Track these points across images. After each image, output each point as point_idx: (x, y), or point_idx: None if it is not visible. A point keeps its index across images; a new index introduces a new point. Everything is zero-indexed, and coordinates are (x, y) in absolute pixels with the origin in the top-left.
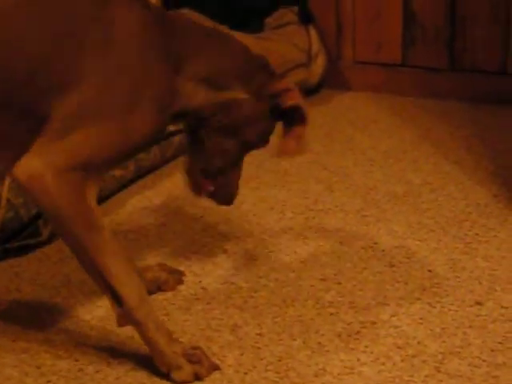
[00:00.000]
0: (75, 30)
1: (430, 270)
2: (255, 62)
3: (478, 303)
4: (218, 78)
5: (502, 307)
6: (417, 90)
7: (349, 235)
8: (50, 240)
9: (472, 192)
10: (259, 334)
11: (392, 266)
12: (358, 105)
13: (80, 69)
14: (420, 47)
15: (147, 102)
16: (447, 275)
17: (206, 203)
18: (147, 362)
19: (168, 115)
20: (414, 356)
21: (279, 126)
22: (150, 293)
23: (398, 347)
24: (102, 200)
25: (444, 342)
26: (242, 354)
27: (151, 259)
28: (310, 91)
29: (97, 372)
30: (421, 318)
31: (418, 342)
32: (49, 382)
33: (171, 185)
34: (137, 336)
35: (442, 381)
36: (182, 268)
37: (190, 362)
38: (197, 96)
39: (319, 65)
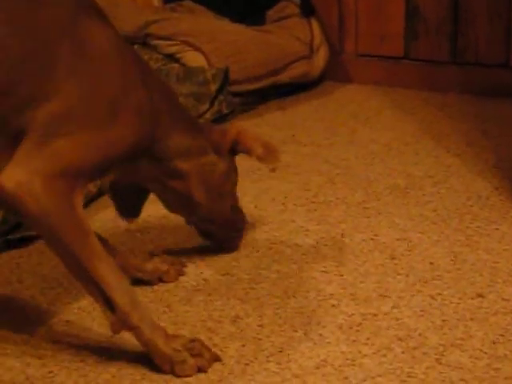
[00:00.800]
0: (50, 42)
1: (431, 263)
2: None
3: (480, 295)
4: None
5: (504, 299)
6: (419, 82)
7: (350, 227)
8: None
9: (473, 185)
10: (260, 326)
11: (393, 258)
12: (360, 98)
13: (56, 80)
14: (422, 40)
15: (128, 109)
16: (448, 267)
17: None
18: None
19: (150, 125)
20: (415, 348)
21: None
22: (151, 284)
23: (400, 339)
24: (100, 194)
25: (445, 334)
26: (243, 346)
27: (155, 250)
28: (311, 84)
29: (98, 363)
30: (422, 310)
31: (419, 334)
32: (50, 372)
33: None
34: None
35: (442, 373)
36: (183, 259)
37: (191, 355)
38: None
39: (321, 57)
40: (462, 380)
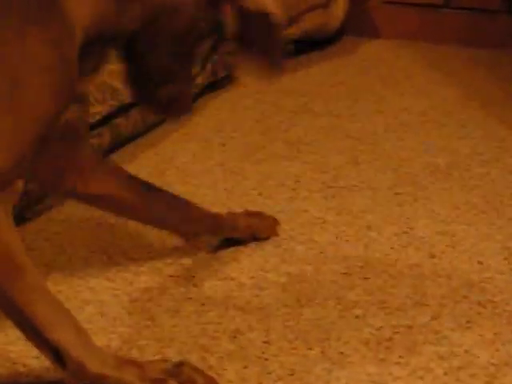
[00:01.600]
0: None
1: (479, 262)
2: None
3: None
4: None
5: None
6: (463, 37)
7: (378, 218)
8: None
9: None
10: (266, 342)
11: (432, 256)
12: (388, 56)
13: None
14: None
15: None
16: (501, 268)
17: (199, 178)
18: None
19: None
20: (459, 368)
21: None
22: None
23: (440, 357)
24: None
25: (497, 350)
26: (245, 367)
27: (135, 249)
28: (328, 39)
29: None
30: (468, 322)
31: (466, 351)
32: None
33: (156, 157)
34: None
35: None
36: (169, 261)
37: (179, 383)
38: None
39: (340, 6)
40: None
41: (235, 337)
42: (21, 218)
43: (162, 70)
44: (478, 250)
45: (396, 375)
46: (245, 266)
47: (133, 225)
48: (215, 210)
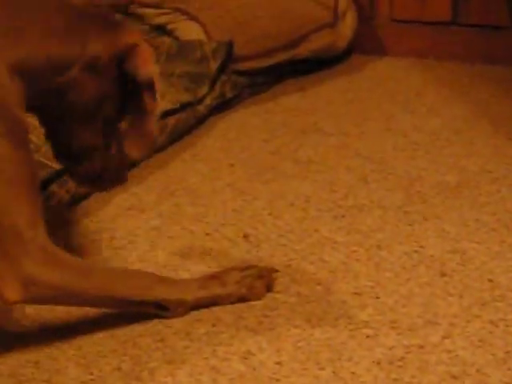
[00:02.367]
0: None
1: (490, 280)
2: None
3: None
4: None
5: None
6: (471, 54)
7: (388, 237)
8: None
9: None
10: (278, 363)
11: (443, 275)
12: (397, 74)
13: None
14: (475, 1)
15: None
16: None
17: (208, 198)
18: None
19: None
20: None
21: None
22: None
23: (453, 377)
24: (78, 199)
25: (509, 369)
26: None
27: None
28: (336, 58)
29: None
30: (480, 340)
31: (477, 370)
32: None
33: (165, 178)
34: None
35: None
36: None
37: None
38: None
39: (348, 25)
40: None
41: (246, 358)
42: None
43: (76, 146)
44: (488, 267)
45: None
46: None
47: (144, 247)
48: (225, 230)
